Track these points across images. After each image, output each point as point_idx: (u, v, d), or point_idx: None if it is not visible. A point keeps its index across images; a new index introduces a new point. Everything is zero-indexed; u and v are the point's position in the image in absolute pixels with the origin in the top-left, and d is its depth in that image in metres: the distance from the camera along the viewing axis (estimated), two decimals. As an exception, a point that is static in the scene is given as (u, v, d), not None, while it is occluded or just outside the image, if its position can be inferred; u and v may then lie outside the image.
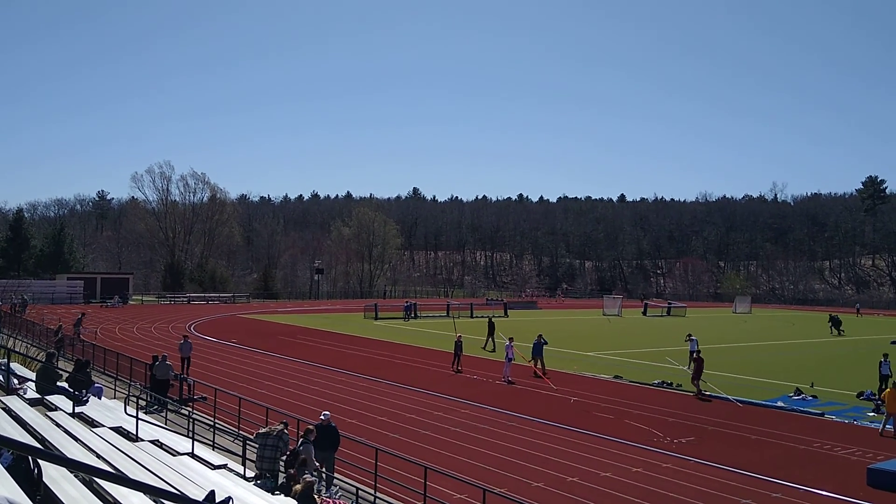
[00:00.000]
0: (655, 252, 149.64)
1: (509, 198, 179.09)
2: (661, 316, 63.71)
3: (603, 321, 55.60)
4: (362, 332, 40.84)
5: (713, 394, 22.42)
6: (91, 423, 12.35)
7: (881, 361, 23.05)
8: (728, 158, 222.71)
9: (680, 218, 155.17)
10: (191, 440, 11.92)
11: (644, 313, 64.78)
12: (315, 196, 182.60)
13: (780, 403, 21.10)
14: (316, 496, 9.41)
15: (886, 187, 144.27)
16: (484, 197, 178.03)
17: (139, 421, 12.40)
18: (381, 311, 53.36)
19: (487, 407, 19.89)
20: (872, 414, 19.99)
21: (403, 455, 13.16)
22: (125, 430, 12.18)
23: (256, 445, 11.34)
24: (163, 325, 43.38)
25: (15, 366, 15.91)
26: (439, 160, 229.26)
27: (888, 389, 18.23)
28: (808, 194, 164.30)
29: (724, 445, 16.19)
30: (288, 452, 11.41)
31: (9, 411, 11.19)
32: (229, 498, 7.91)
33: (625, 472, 13.78)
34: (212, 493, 7.89)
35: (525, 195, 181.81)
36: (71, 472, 7.29)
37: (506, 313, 58.85)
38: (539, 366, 25.92)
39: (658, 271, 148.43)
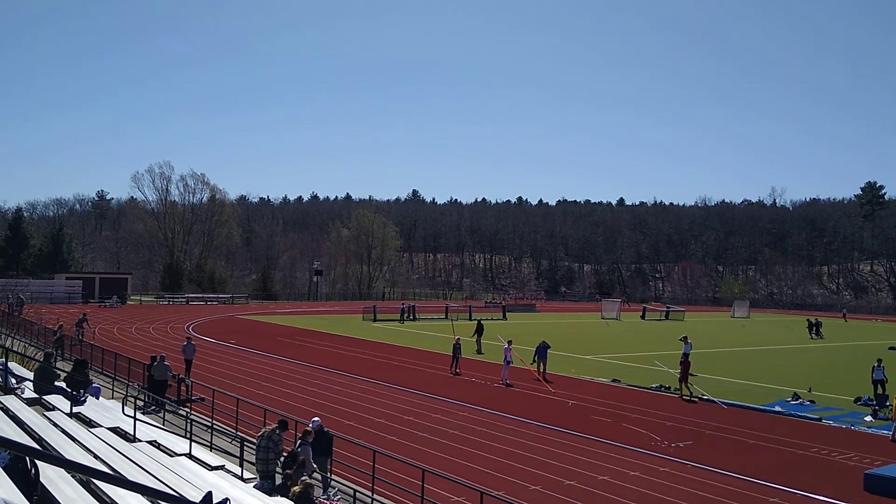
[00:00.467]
0: (654, 256, 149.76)
1: (508, 200, 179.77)
2: (660, 320, 63.77)
3: (601, 324, 55.62)
4: (361, 334, 40.82)
5: (700, 396, 22.55)
6: (89, 424, 12.33)
7: (874, 366, 23.19)
8: (727, 163, 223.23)
9: (679, 222, 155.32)
10: (188, 441, 11.91)
11: (643, 317, 64.88)
12: (314, 197, 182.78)
13: (777, 408, 21.11)
14: (314, 498, 9.40)
15: (885, 193, 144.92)
16: (483, 199, 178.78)
17: (137, 421, 12.39)
18: (380, 312, 53.34)
19: (485, 410, 19.88)
20: (870, 419, 20.03)
21: (401, 457, 13.14)
22: (123, 430, 12.17)
23: (255, 447, 11.33)
24: (161, 325, 43.35)
25: (13, 365, 15.89)
26: (439, 162, 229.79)
27: None
28: (807, 199, 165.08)
29: (722, 450, 16.19)
30: (285, 454, 11.40)
31: (6, 411, 11.16)
32: (227, 499, 7.90)
33: (622, 476, 13.77)
34: (209, 494, 7.87)
35: (524, 198, 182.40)
36: (68, 473, 7.28)
37: (504, 316, 58.85)
38: (541, 370, 25.80)
39: (657, 275, 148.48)
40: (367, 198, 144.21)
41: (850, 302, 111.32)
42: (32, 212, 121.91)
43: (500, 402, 21.21)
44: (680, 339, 29.39)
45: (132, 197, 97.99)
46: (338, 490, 12.00)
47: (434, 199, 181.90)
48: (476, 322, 37.80)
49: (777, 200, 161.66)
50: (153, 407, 17.60)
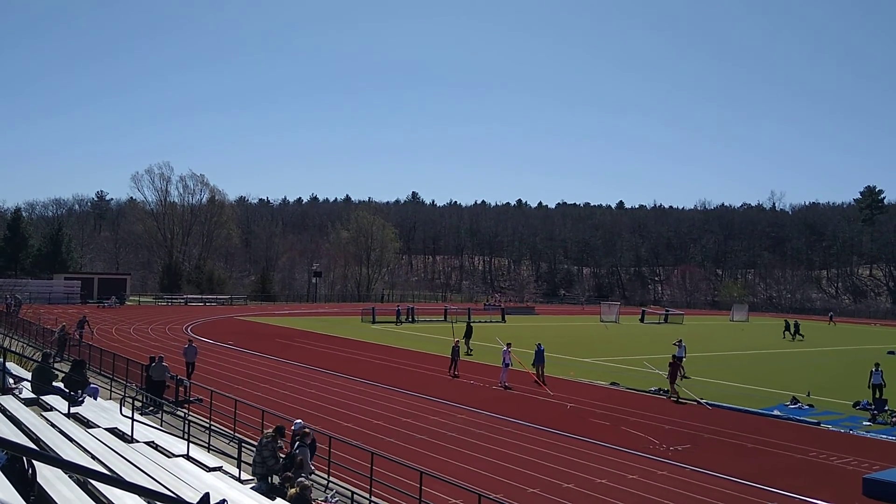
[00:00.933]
0: (653, 259, 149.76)
1: (508, 203, 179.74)
2: (659, 323, 63.80)
3: (600, 328, 55.61)
4: (360, 336, 40.80)
5: (684, 397, 22.70)
6: (86, 424, 12.31)
7: (872, 371, 23.22)
8: (727, 166, 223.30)
9: (678, 225, 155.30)
10: (186, 442, 11.89)
11: (641, 320, 64.92)
12: (314, 199, 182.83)
13: (776, 412, 21.11)
14: (311, 499, 9.39)
15: (884, 197, 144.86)
16: (483, 202, 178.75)
17: (134, 422, 12.37)
18: (379, 314, 53.33)
19: (484, 412, 19.87)
20: (868, 423, 20.04)
21: (399, 459, 13.12)
22: (120, 431, 12.15)
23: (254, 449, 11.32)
24: (159, 326, 43.31)
25: (11, 365, 15.86)
26: (438, 164, 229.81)
27: None
28: (806, 203, 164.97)
29: (720, 453, 16.18)
30: (283, 456, 11.39)
31: (4, 411, 11.14)
32: (224, 501, 7.89)
33: (620, 479, 13.76)
34: (206, 495, 7.86)
35: (524, 200, 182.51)
36: (65, 473, 7.27)
37: (503, 319, 58.84)
38: (540, 373, 25.77)
39: (656, 278, 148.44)
40: (367, 199, 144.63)
41: (849, 306, 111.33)
42: (31, 212, 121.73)
43: (499, 404, 21.20)
44: (674, 344, 29.49)
45: (131, 197, 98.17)
46: (336, 492, 11.99)
47: (433, 202, 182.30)
48: (465, 324, 37.89)
49: (776, 204, 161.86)
50: (151, 408, 17.57)
